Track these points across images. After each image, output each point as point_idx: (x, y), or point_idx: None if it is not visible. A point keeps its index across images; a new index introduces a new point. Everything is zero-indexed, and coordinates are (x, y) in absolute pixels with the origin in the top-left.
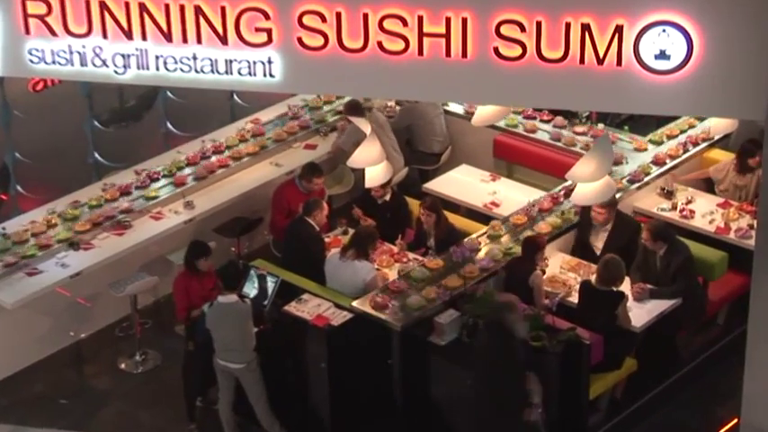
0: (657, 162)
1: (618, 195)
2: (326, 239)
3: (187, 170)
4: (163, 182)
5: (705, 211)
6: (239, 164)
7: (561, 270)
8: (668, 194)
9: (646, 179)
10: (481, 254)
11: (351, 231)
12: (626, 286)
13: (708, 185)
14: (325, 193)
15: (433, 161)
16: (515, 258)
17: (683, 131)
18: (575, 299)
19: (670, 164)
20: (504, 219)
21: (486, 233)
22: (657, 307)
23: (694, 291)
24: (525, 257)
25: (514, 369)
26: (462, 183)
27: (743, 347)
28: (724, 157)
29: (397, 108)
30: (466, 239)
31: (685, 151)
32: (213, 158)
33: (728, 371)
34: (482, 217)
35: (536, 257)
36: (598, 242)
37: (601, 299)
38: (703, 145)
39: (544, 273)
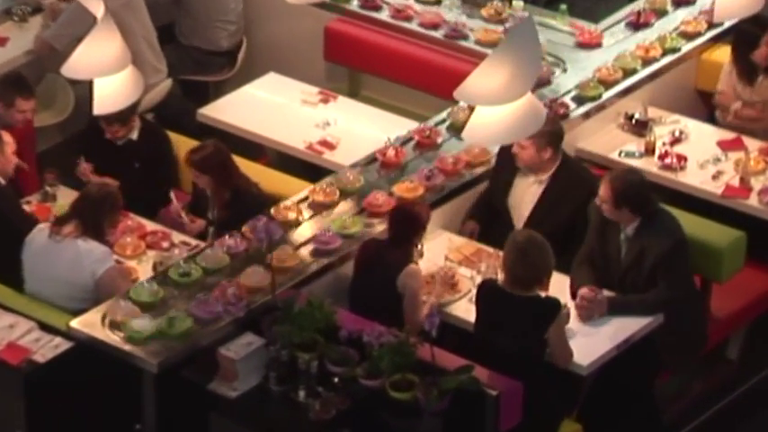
0: (605, 81)
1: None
2: (26, 207)
3: None
4: None
5: (706, 158)
6: None
7: (448, 262)
8: (638, 126)
9: (599, 101)
10: (303, 232)
11: (67, 193)
12: (564, 291)
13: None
14: (32, 128)
15: (219, 66)
16: (371, 242)
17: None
18: (471, 314)
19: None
20: (347, 170)
21: (311, 197)
22: (622, 330)
23: (687, 301)
24: (393, 242)
25: None
26: (269, 106)
27: None
28: None
29: None
30: (275, 208)
31: (664, 52)
32: None
33: None
34: (305, 167)
35: (412, 241)
36: (522, 210)
37: (517, 313)
38: (700, 39)
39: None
